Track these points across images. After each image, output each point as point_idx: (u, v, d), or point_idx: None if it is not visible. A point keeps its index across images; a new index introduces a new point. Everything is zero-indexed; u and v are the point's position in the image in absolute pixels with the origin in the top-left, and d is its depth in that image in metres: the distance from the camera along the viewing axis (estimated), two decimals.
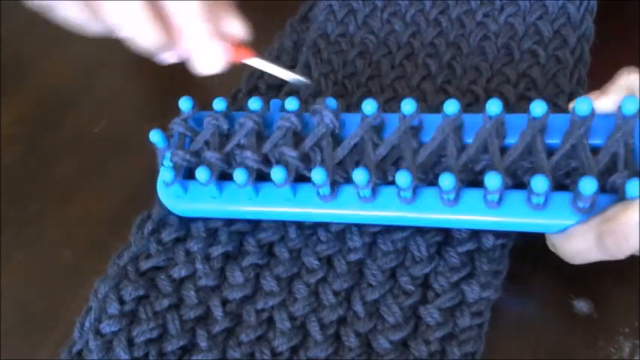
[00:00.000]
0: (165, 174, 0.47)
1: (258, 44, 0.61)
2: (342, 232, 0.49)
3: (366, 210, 0.46)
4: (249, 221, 0.50)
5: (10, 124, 0.60)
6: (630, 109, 0.43)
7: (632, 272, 0.47)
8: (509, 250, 0.48)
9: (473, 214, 0.45)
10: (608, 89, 0.46)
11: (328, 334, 0.45)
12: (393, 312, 0.45)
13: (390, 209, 0.46)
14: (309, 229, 0.49)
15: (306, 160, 0.47)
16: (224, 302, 0.46)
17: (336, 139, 0.48)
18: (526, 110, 0.45)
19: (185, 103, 0.49)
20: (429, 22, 0.62)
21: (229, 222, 0.50)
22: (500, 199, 0.44)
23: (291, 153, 0.46)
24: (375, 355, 0.44)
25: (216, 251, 0.48)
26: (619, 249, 0.41)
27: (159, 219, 0.50)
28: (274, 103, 0.51)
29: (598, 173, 0.42)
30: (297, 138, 0.48)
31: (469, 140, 0.46)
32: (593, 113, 0.43)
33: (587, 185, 0.40)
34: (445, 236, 0.48)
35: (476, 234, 0.48)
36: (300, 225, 0.50)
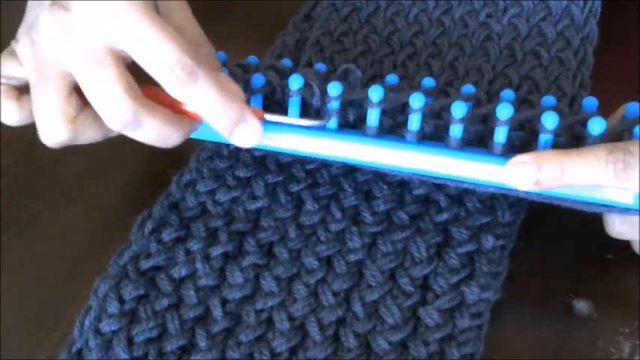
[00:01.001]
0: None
1: (261, 44, 0.62)
2: (342, 232, 0.49)
3: (369, 143, 0.47)
4: (249, 220, 0.50)
5: None
6: (633, 111, 0.45)
7: (632, 272, 0.47)
8: (508, 251, 0.48)
9: (480, 159, 0.45)
10: (611, 119, 0.46)
11: (327, 335, 0.45)
12: (393, 313, 0.45)
13: (397, 146, 0.46)
14: (308, 229, 0.50)
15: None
16: (224, 302, 0.46)
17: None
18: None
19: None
20: (432, 21, 0.62)
21: (229, 222, 0.50)
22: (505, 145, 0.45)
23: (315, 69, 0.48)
24: (374, 356, 0.44)
25: (216, 251, 0.48)
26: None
27: (159, 218, 0.50)
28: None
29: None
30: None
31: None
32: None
33: (597, 125, 0.43)
34: (445, 237, 0.48)
35: (476, 235, 0.48)
36: (299, 225, 0.50)
